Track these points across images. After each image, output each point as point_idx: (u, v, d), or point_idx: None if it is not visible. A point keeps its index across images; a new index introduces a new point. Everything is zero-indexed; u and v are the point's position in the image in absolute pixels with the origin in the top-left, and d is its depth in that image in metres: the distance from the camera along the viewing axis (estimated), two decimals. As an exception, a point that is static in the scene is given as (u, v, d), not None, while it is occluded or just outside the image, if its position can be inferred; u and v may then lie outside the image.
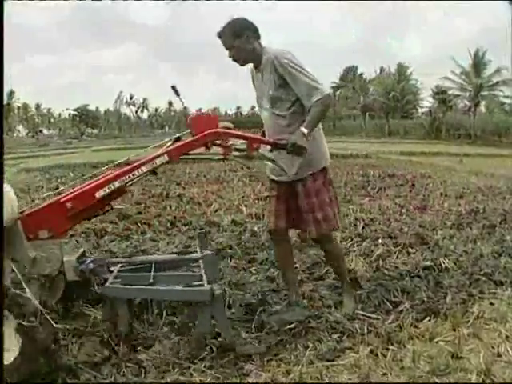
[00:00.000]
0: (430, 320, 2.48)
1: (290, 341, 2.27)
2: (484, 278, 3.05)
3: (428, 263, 3.33)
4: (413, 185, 7.70)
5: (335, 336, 2.32)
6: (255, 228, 4.52)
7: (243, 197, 6.64)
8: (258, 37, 2.44)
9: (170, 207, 5.73)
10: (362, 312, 2.56)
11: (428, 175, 9.07)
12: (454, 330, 2.39)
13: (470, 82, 26.63)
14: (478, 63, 26.39)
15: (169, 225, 4.78)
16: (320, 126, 2.48)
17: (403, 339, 2.29)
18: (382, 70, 40.68)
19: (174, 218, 4.96)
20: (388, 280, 2.99)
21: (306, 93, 2.28)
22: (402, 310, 2.60)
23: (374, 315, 2.54)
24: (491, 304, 2.70)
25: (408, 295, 2.78)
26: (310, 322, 2.41)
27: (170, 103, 49.87)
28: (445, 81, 28.79)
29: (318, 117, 2.30)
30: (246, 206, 5.85)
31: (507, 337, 2.31)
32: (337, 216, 2.53)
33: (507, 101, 28.78)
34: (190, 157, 2.37)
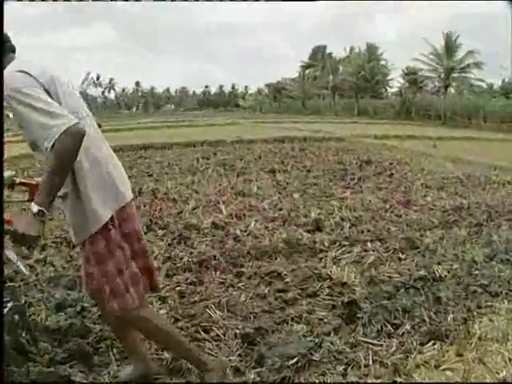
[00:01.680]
0: (434, 344, 2.38)
1: (293, 377, 2.11)
2: (480, 290, 2.99)
3: (422, 272, 3.23)
4: (391, 174, 7.66)
5: (340, 368, 2.18)
6: (237, 232, 4.31)
7: (220, 191, 6.42)
8: (12, 49, 1.73)
9: (144, 205, 5.43)
10: (363, 338, 2.43)
11: (405, 161, 9.09)
12: (459, 355, 2.31)
13: (442, 64, 26.93)
14: (451, 46, 26.67)
15: (145, 228, 4.50)
16: (105, 163, 1.76)
17: (410, 369, 2.18)
18: (351, 49, 40.56)
19: (150, 220, 4.68)
20: (385, 297, 2.85)
21: (40, 137, 1.53)
22: (403, 333, 2.49)
23: (376, 341, 2.41)
24: (491, 321, 2.63)
25: (408, 314, 2.66)
26: (312, 353, 2.25)
27: (138, 83, 48.05)
28: (416, 62, 29.09)
29: (55, 177, 1.51)
30: (223, 202, 5.63)
31: (510, 359, 2.26)
32: (139, 287, 1.83)
33: (478, 83, 29.39)
34: None
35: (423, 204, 5.32)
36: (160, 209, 5.26)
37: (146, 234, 4.36)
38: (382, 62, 35.97)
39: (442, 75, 27.35)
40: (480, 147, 11.60)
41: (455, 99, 28.04)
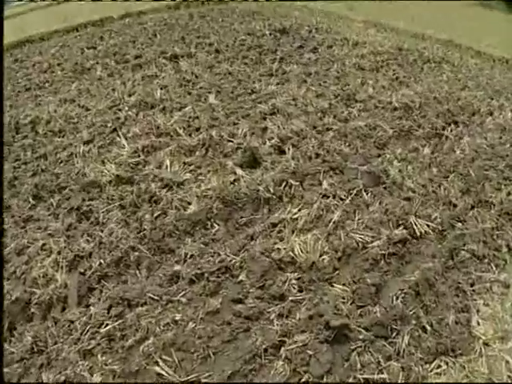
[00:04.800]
0: (440, 361, 1.97)
1: None
2: (468, 255, 2.59)
3: (399, 232, 2.68)
4: (315, 48, 6.61)
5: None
6: (152, 186, 3.29)
7: (114, 102, 5.03)
8: None
9: (25, 151, 4.08)
10: (363, 375, 1.90)
11: (323, 28, 7.97)
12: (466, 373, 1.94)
13: None
14: None
15: (31, 199, 3.33)
16: None
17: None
18: None
19: (36, 185, 3.46)
20: (370, 294, 2.29)
21: None
22: (403, 351, 2.00)
23: (376, 375, 1.90)
24: (487, 306, 2.29)
25: (403, 321, 2.15)
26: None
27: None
28: None
29: None
30: (123, 125, 4.40)
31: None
32: None
33: None
34: None
35: (366, 99, 4.56)
36: (45, 155, 3.97)
37: (35, 206, 3.27)
38: None
39: None
40: (393, 6, 10.33)
41: None
